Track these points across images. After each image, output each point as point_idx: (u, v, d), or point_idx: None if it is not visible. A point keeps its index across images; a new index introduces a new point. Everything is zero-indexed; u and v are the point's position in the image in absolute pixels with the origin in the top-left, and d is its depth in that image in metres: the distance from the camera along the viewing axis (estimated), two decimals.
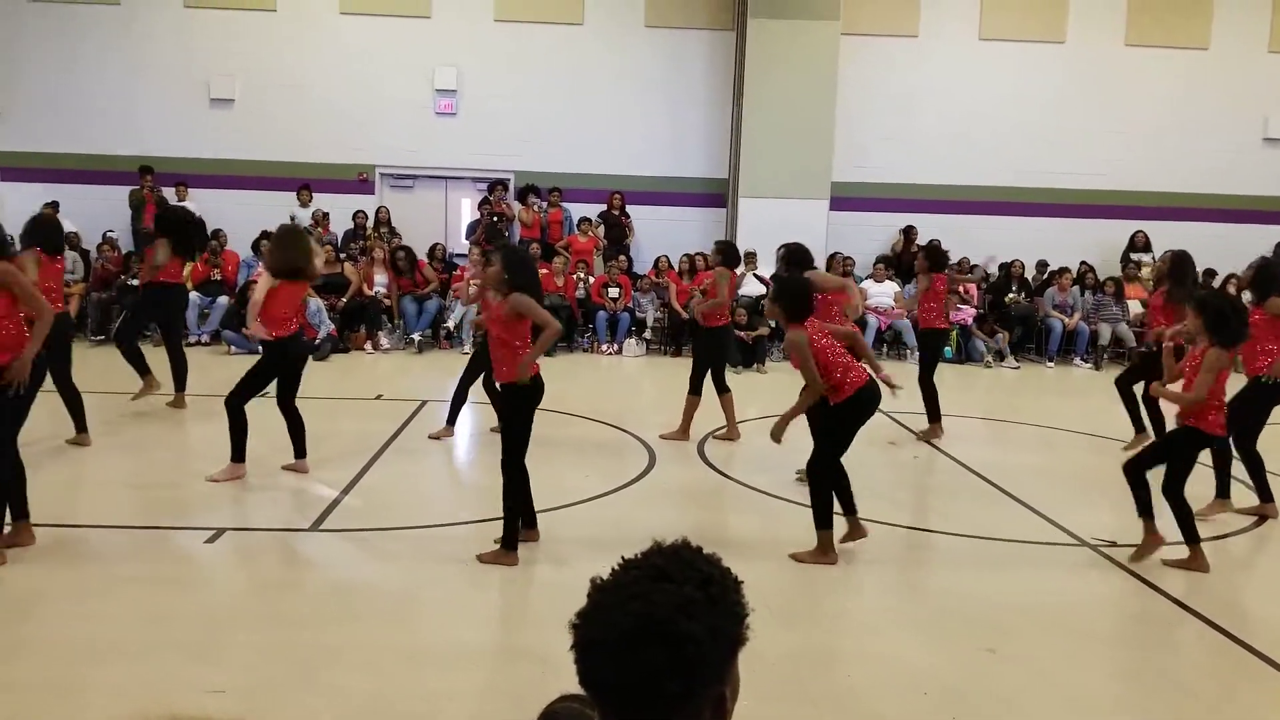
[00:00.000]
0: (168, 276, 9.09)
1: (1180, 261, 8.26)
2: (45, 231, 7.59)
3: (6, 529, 5.48)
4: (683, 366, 12.97)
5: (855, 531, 5.98)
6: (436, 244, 14.93)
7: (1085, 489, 7.81)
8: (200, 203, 15.07)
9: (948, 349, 13.22)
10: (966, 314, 13.95)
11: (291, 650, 4.54)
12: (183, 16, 15.39)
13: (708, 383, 8.67)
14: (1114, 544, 6.37)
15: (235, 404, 7.04)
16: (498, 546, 5.68)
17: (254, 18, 15.43)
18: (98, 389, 8.41)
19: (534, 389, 5.63)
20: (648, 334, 14.29)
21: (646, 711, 1.30)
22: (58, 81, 15.34)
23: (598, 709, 1.35)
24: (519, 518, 5.74)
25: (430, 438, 8.53)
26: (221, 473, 7.05)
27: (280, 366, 7.16)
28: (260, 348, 7.32)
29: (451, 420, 8.61)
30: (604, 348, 13.91)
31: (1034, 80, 16.06)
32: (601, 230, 15.35)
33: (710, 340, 8.75)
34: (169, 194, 14.84)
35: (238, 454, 7.09)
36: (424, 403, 9.92)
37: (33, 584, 5.17)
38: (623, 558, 1.38)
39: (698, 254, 14.94)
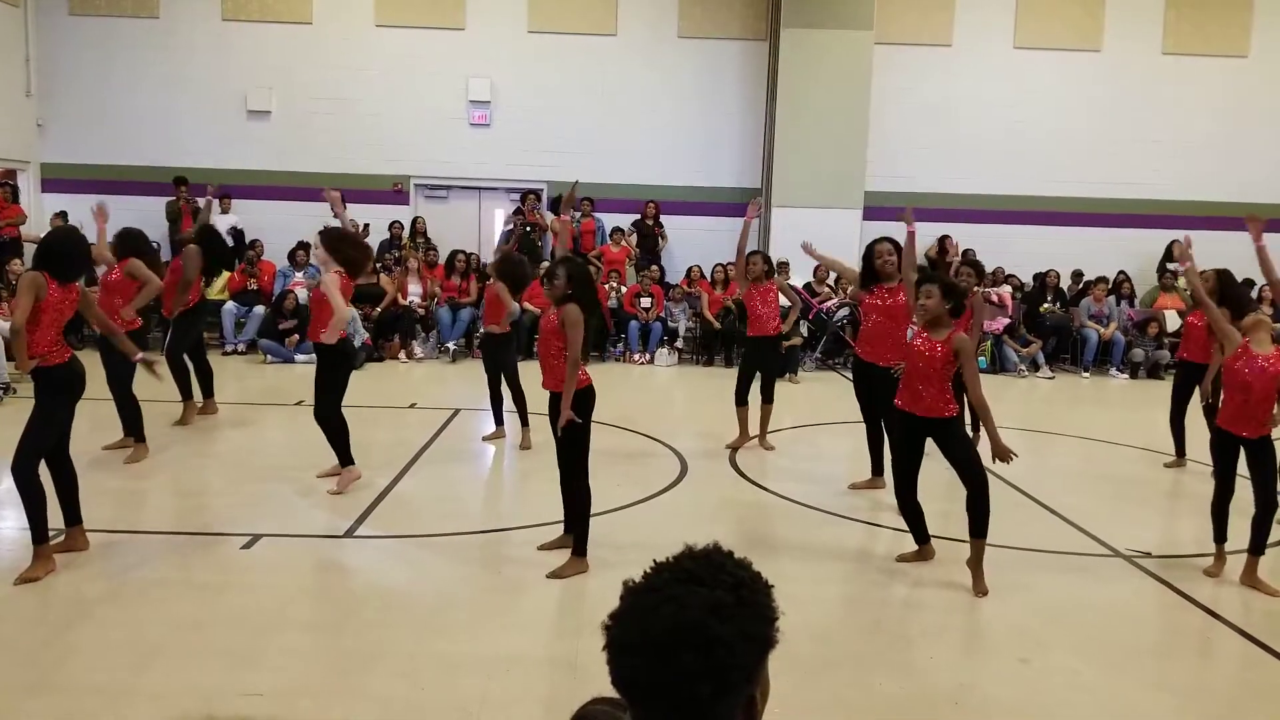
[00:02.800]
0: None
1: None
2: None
3: (56, 537, 5.57)
4: (714, 375, 13.01)
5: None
6: (472, 254, 15.02)
7: (1120, 500, 7.76)
8: (237, 213, 15.30)
9: (981, 358, 13.14)
10: (999, 324, 13.85)
11: (327, 656, 4.59)
12: (220, 29, 15.61)
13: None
14: (1149, 555, 6.32)
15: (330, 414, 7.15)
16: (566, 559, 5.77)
17: (290, 30, 15.63)
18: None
19: (587, 397, 5.68)
20: (680, 343, 14.31)
21: (678, 713, 1.31)
22: (97, 94, 15.59)
23: (629, 711, 1.37)
24: (588, 524, 5.79)
25: (484, 439, 8.86)
26: (339, 481, 7.14)
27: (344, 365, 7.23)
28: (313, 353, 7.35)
29: (499, 421, 8.91)
30: (636, 357, 13.93)
31: (1070, 89, 15.96)
32: (634, 240, 15.39)
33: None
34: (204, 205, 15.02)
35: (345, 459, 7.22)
36: (457, 411, 9.99)
37: (79, 589, 5.27)
38: (654, 561, 1.40)
39: (730, 264, 14.93)
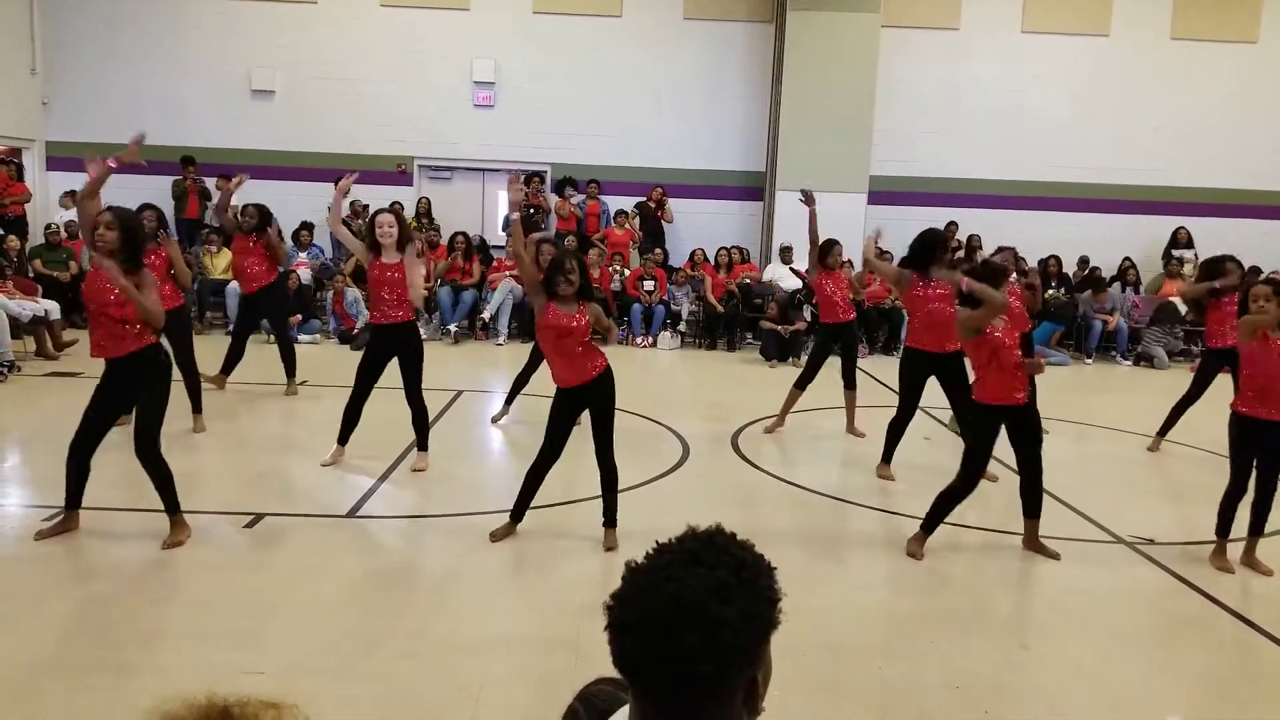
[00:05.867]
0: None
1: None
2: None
3: (54, 517, 5.58)
4: (717, 359, 13.00)
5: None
6: (475, 235, 15.00)
7: (1123, 486, 7.76)
8: (240, 193, 15.24)
9: None
10: None
11: (329, 635, 4.59)
12: (225, 9, 15.57)
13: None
14: (1151, 541, 6.32)
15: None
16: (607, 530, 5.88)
17: (295, 10, 15.59)
18: None
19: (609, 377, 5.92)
20: (682, 327, 14.30)
21: (679, 694, 1.31)
22: (102, 72, 15.57)
23: (631, 691, 1.37)
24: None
25: (492, 421, 8.88)
26: (419, 461, 7.33)
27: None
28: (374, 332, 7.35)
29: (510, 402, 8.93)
30: (639, 340, 13.93)
31: (1077, 74, 15.90)
32: (637, 223, 15.36)
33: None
34: (210, 184, 15.02)
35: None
36: (460, 392, 9.98)
37: (84, 566, 5.29)
38: (657, 542, 1.39)
39: (735, 247, 14.93)
